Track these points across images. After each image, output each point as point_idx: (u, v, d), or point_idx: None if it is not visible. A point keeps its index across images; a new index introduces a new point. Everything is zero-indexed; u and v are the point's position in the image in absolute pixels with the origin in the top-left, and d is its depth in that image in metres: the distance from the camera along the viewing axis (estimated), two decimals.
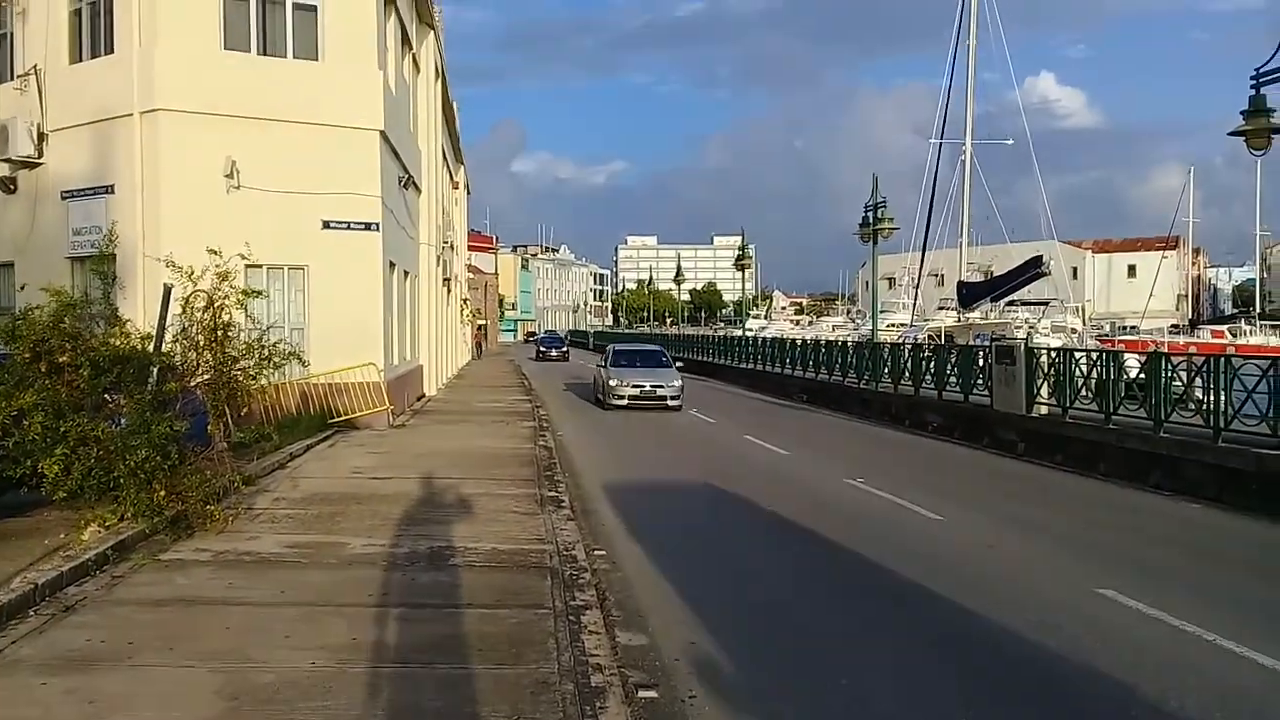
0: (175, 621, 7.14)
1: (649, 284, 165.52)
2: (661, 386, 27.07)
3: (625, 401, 26.55)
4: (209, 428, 11.17)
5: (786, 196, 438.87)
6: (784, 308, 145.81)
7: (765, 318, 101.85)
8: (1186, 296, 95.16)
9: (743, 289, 74.45)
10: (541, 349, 69.96)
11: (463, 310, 51.31)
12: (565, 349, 71.63)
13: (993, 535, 11.59)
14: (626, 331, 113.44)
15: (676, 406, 26.63)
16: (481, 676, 6.03)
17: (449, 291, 38.94)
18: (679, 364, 31.90)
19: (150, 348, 11.11)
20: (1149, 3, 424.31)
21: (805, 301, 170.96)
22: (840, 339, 42.71)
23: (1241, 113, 14.54)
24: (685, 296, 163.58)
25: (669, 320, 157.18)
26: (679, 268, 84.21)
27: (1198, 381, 15.28)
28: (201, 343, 11.15)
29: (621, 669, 6.51)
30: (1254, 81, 14.36)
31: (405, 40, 25.09)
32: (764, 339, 47.05)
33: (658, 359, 30.14)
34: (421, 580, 8.32)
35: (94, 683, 5.86)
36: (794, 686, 6.64)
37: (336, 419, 18.79)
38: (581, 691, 5.83)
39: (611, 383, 27.13)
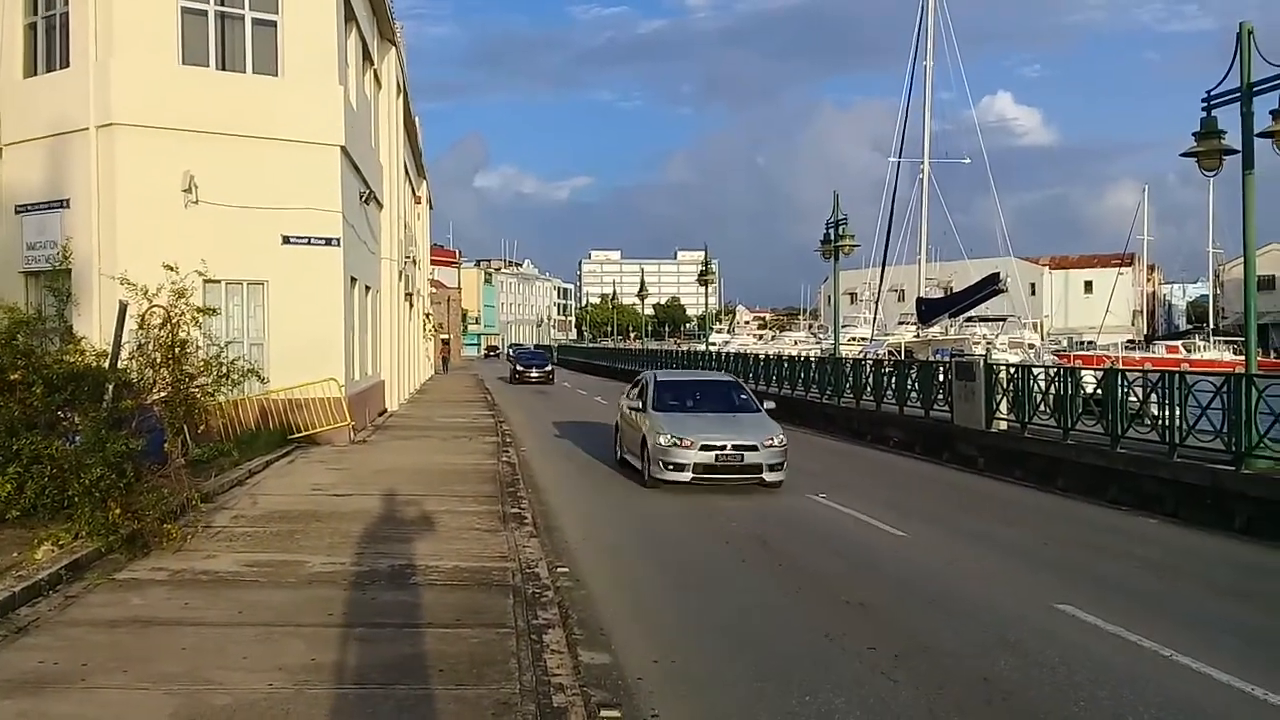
0: (130, 643, 7.03)
1: (613, 298, 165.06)
2: (751, 446, 15.56)
3: (688, 474, 15.37)
4: (165, 445, 11.03)
5: (749, 212, 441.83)
6: (747, 322, 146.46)
7: (729, 332, 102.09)
8: (1142, 312, 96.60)
9: (706, 304, 74.69)
10: (519, 367, 54.88)
11: (425, 325, 51.05)
12: (549, 368, 56.28)
13: (953, 551, 11.68)
14: (592, 345, 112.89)
15: (777, 482, 15.65)
16: (442, 697, 5.98)
17: (411, 306, 38.74)
18: (768, 403, 18.08)
19: (106, 365, 10.95)
20: (1102, 24, 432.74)
21: (769, 316, 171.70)
22: (803, 354, 42.99)
23: (1194, 134, 14.83)
24: (649, 311, 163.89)
25: (633, 335, 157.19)
26: (643, 282, 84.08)
27: (1153, 397, 15.53)
28: (158, 360, 11.04)
29: (584, 688, 6.49)
30: (1205, 103, 14.67)
31: (366, 56, 25.02)
32: (727, 354, 47.22)
33: (734, 396, 17.93)
34: (382, 599, 8.25)
35: (46, 706, 5.76)
36: (756, 705, 6.64)
37: (297, 435, 18.60)
38: (543, 712, 5.80)
39: (662, 439, 15.65)
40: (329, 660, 6.63)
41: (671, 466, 15.36)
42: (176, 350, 11.10)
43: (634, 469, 17.00)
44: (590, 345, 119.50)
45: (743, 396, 17.75)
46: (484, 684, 6.21)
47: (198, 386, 11.27)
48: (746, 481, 15.47)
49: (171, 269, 11.18)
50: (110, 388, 10.57)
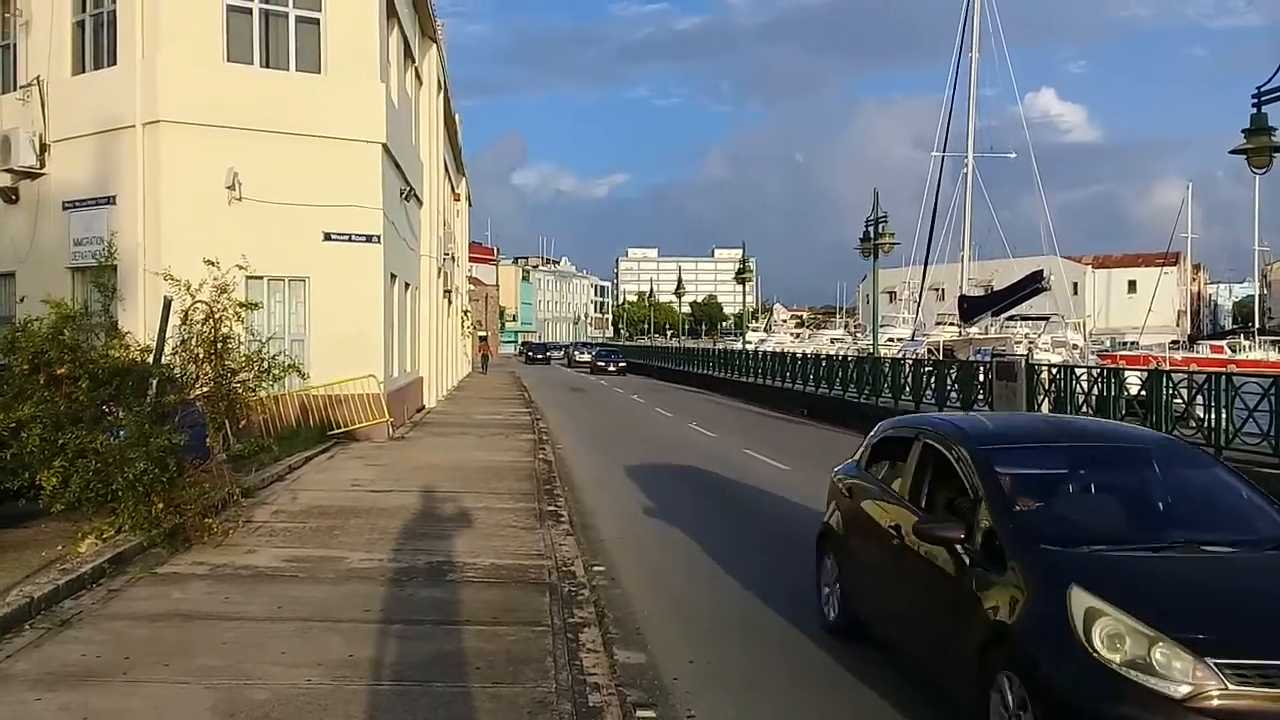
0: (171, 637, 7.11)
1: (650, 296, 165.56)
2: None
3: None
4: (207, 440, 11.14)
5: (787, 209, 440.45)
6: (785, 320, 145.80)
7: (765, 330, 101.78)
8: (1186, 312, 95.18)
9: (743, 302, 74.51)
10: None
11: (464, 322, 51.30)
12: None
13: None
14: (629, 344, 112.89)
15: None
16: (478, 695, 5.99)
17: (450, 303, 38.94)
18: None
19: (150, 360, 11.07)
20: (1148, 20, 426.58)
21: (806, 314, 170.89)
22: (840, 353, 42.76)
23: (1243, 131, 14.59)
24: (686, 309, 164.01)
25: (670, 333, 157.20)
26: (679, 280, 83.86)
27: (1198, 399, 15.27)
28: (201, 355, 11.13)
29: (619, 688, 6.47)
30: (1255, 100, 14.42)
31: (408, 53, 25.15)
32: (764, 353, 47.06)
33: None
34: (419, 596, 8.29)
35: (88, 699, 5.83)
36: (791, 709, 6.59)
37: (336, 430, 18.75)
38: (579, 711, 5.79)
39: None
40: (366, 656, 6.66)
41: None
42: (219, 346, 11.19)
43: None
44: (626, 343, 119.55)
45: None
46: (520, 682, 6.22)
47: (239, 382, 11.36)
48: None
49: (213, 264, 11.27)
50: (154, 383, 10.69)
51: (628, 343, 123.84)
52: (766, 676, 7.18)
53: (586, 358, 73.51)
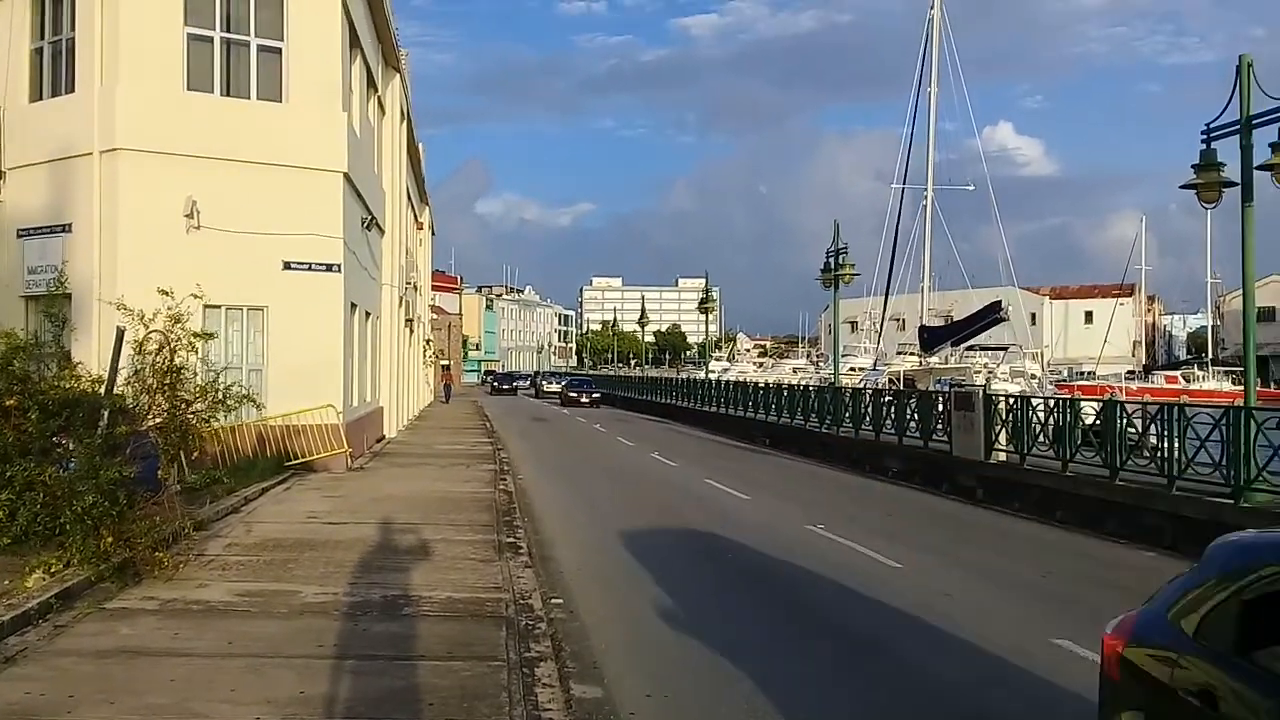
0: (118, 674, 6.97)
1: (613, 325, 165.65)
2: None
3: None
4: (159, 472, 10.99)
5: (751, 239, 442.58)
6: (748, 350, 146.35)
7: (728, 359, 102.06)
8: (1141, 343, 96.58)
9: (706, 331, 74.71)
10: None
11: (425, 351, 51.05)
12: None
13: (950, 583, 11.60)
14: (593, 373, 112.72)
15: None
16: None
17: (411, 332, 38.78)
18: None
19: (102, 390, 10.94)
20: (1104, 56, 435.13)
21: (769, 344, 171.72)
22: (802, 383, 42.98)
23: (1193, 166, 14.85)
24: (649, 338, 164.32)
25: (633, 362, 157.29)
26: (643, 309, 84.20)
27: (1152, 429, 15.49)
28: (154, 386, 11.02)
29: None
30: (1204, 136, 14.70)
31: (371, 83, 25.16)
32: (726, 382, 47.18)
33: None
34: (374, 631, 8.19)
35: None
36: None
37: (294, 461, 18.53)
38: None
39: None
40: (318, 693, 6.57)
41: None
42: (172, 376, 11.08)
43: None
44: (591, 372, 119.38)
45: None
46: (474, 718, 6.15)
47: (193, 412, 11.24)
48: None
49: (167, 294, 11.17)
50: (106, 414, 10.56)
51: (592, 371, 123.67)
52: (724, 710, 7.15)
53: (555, 388, 70.43)
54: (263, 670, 7.05)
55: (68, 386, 10.69)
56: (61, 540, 9.40)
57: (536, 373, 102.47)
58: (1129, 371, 67.37)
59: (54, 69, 18.56)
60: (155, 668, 7.08)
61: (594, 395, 56.51)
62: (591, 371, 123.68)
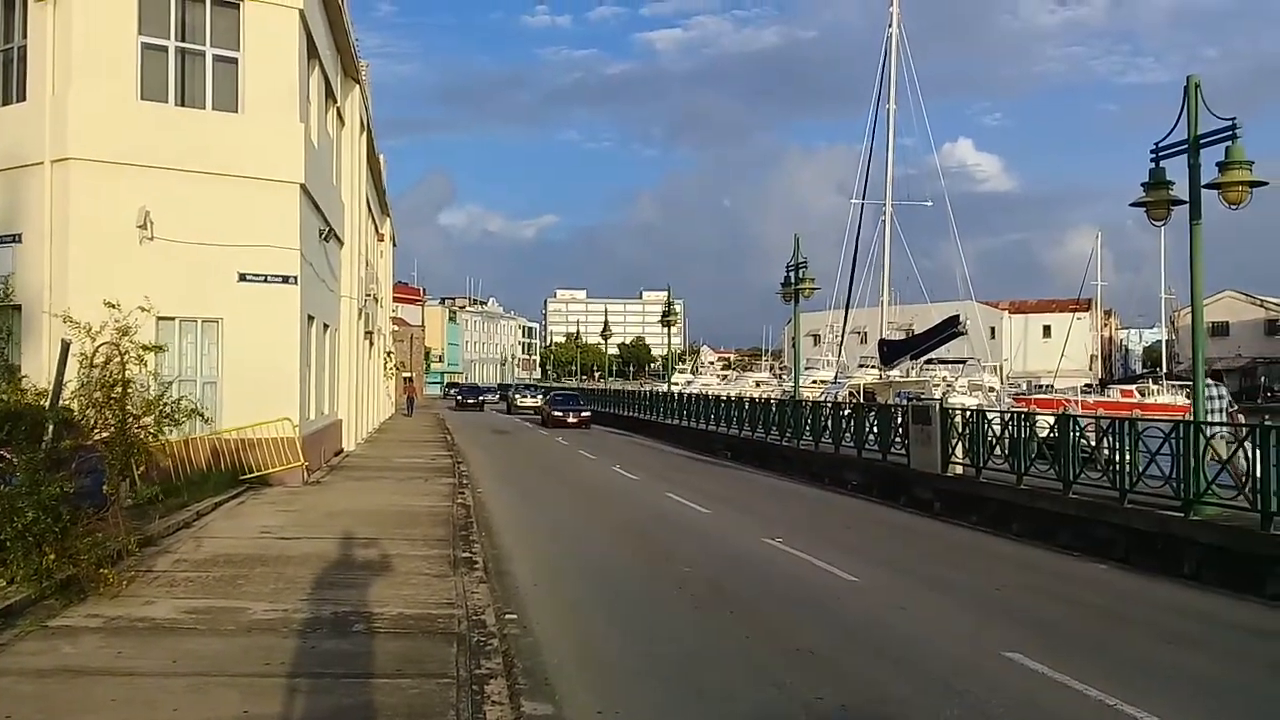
0: (58, 694, 6.82)
1: (578, 338, 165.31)
2: None
3: None
4: (105, 487, 10.80)
5: (715, 253, 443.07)
6: (712, 363, 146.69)
7: (692, 372, 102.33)
8: (1098, 356, 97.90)
9: (669, 344, 74.85)
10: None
11: (386, 364, 50.69)
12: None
13: (904, 596, 11.65)
14: (555, 385, 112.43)
15: None
16: None
17: (371, 345, 38.48)
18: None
19: (46, 404, 10.74)
20: (1062, 75, 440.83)
21: (733, 356, 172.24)
22: (764, 396, 43.16)
23: (1142, 185, 15.06)
24: (614, 350, 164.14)
25: (597, 374, 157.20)
26: (606, 322, 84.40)
27: (1105, 442, 15.67)
28: (100, 399, 10.82)
29: None
30: (1154, 155, 14.91)
31: (329, 93, 24.98)
32: (690, 395, 47.24)
33: None
34: (323, 648, 8.08)
35: None
36: None
37: (249, 475, 18.28)
38: None
39: None
40: (262, 712, 6.46)
41: None
42: (119, 389, 10.89)
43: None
44: (553, 385, 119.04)
45: None
46: None
47: (141, 426, 11.05)
48: None
49: (114, 306, 10.99)
50: (50, 427, 10.36)
51: (555, 384, 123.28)
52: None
53: (532, 402, 60.27)
54: (207, 690, 6.93)
55: (10, 400, 10.49)
56: (2, 557, 9.20)
57: (512, 385, 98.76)
58: (1086, 385, 68.24)
59: (4, 76, 18.22)
60: (96, 687, 6.94)
61: (584, 414, 47.81)
62: (555, 384, 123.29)
